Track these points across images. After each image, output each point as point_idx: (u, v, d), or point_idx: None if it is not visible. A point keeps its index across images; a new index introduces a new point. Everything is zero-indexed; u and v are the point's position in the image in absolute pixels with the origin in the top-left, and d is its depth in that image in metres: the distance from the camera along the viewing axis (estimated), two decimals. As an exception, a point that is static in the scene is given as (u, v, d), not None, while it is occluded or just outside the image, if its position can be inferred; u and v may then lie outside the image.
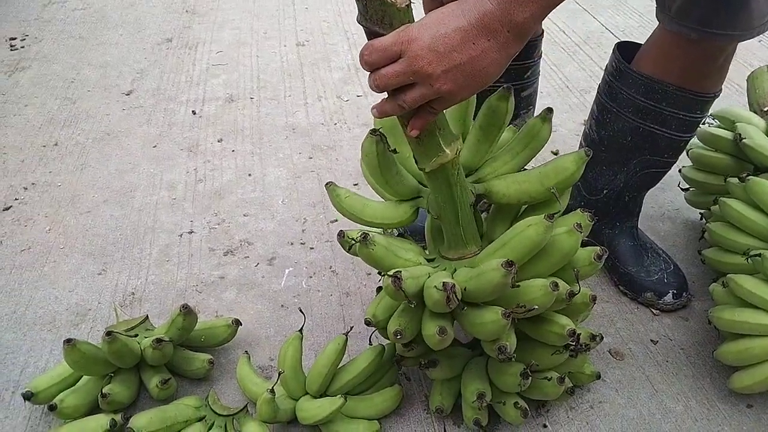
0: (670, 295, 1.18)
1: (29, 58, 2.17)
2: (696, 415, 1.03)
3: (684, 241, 1.38)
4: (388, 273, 0.79)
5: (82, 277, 1.31)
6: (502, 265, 0.74)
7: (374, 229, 0.92)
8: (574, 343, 0.87)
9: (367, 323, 0.90)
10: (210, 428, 0.95)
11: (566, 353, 0.90)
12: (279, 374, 0.96)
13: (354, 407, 0.99)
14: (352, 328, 1.04)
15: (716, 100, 1.07)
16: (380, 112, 0.73)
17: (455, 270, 0.87)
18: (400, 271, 0.79)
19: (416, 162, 0.81)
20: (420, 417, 1.03)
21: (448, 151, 0.78)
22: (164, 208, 1.50)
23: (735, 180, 1.13)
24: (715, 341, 1.11)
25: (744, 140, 1.17)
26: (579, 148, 1.30)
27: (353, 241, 0.88)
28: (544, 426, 1.00)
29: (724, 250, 1.14)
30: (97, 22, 2.43)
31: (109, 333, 0.94)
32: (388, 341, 0.98)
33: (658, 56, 1.05)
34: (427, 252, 0.95)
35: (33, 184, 1.58)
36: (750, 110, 1.28)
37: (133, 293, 1.27)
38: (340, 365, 1.00)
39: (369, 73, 0.70)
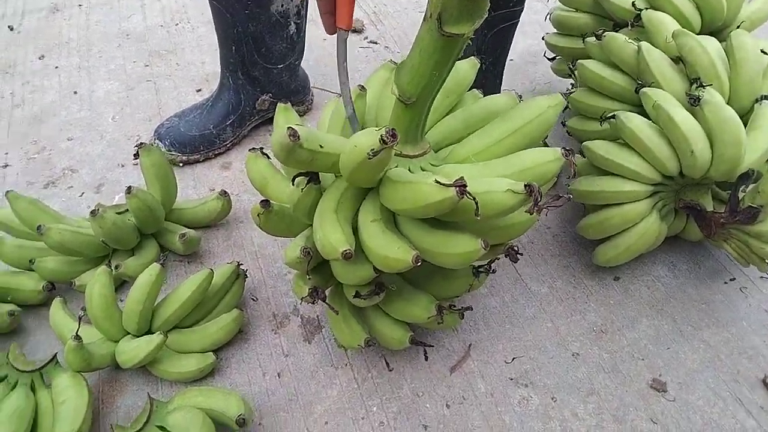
0: (533, 172, 1.09)
1: None
2: (561, 295, 0.97)
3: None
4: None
5: None
6: (524, 188, 0.59)
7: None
8: None
9: (305, 253, 0.70)
10: (13, 388, 0.81)
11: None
12: (79, 318, 0.82)
13: (185, 340, 0.87)
14: (167, 256, 0.90)
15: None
16: None
17: (419, 170, 0.71)
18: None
19: (440, 26, 0.59)
20: (267, 340, 0.92)
21: (484, 17, 0.59)
22: (-27, 141, 1.28)
23: (592, 39, 1.03)
24: (582, 217, 1.04)
25: (601, -7, 1.05)
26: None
27: None
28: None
29: (585, 117, 1.05)
30: None
31: None
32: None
33: None
34: None
35: None
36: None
37: (-68, 245, 1.08)
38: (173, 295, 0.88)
39: None
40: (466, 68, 0.80)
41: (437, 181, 0.60)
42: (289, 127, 0.61)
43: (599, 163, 0.90)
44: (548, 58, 1.25)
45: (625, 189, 0.87)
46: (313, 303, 0.76)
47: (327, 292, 0.85)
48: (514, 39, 1.10)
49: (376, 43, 1.51)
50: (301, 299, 0.77)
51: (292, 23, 1.15)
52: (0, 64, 1.48)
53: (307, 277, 0.76)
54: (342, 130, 0.80)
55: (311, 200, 0.72)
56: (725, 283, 0.98)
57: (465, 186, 0.59)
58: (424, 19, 0.60)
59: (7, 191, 0.95)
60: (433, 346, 0.88)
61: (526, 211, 0.61)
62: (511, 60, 1.42)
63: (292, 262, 0.74)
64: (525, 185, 0.59)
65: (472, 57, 0.81)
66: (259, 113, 1.23)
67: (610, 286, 0.98)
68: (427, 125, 0.77)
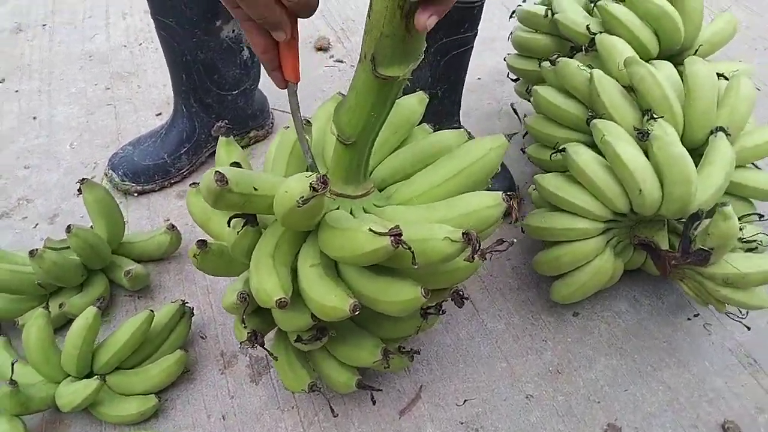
0: (493, 200, 1.07)
1: None
2: (518, 332, 0.94)
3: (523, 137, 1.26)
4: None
5: None
6: (462, 236, 0.57)
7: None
8: None
9: (242, 299, 0.68)
10: (-53, 436, 0.79)
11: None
12: (12, 364, 0.80)
13: (127, 382, 0.85)
14: (103, 300, 0.88)
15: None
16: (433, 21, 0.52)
17: (362, 211, 0.69)
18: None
19: (374, 68, 0.56)
20: (213, 380, 0.90)
21: (420, 58, 0.57)
22: (-73, 170, 1.26)
23: (547, 64, 1.00)
24: (542, 249, 1.02)
25: (556, 15, 1.02)
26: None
27: None
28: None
29: (543, 145, 1.02)
30: None
31: None
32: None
33: None
34: None
35: None
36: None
37: None
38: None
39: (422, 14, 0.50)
40: (414, 103, 0.78)
41: (371, 230, 0.58)
42: (216, 171, 0.58)
43: (549, 199, 0.88)
44: (512, 79, 1.23)
45: (576, 226, 0.85)
46: (252, 347, 0.74)
47: (271, 334, 0.83)
48: (483, 57, 1.08)
49: (342, 61, 1.49)
50: (241, 343, 0.75)
51: (245, 48, 1.13)
52: (-40, 88, 1.46)
53: (243, 325, 0.73)
54: (287, 164, 0.77)
55: (249, 242, 0.70)
56: (689, 319, 0.95)
57: (400, 235, 0.57)
58: (359, 60, 0.58)
59: None
60: (381, 389, 0.86)
61: (464, 260, 0.59)
62: (479, 78, 1.40)
63: (229, 307, 0.72)
64: (463, 233, 0.58)
65: (420, 92, 0.79)
66: (215, 140, 1.21)
67: (568, 322, 0.96)
68: (375, 161, 0.75)
